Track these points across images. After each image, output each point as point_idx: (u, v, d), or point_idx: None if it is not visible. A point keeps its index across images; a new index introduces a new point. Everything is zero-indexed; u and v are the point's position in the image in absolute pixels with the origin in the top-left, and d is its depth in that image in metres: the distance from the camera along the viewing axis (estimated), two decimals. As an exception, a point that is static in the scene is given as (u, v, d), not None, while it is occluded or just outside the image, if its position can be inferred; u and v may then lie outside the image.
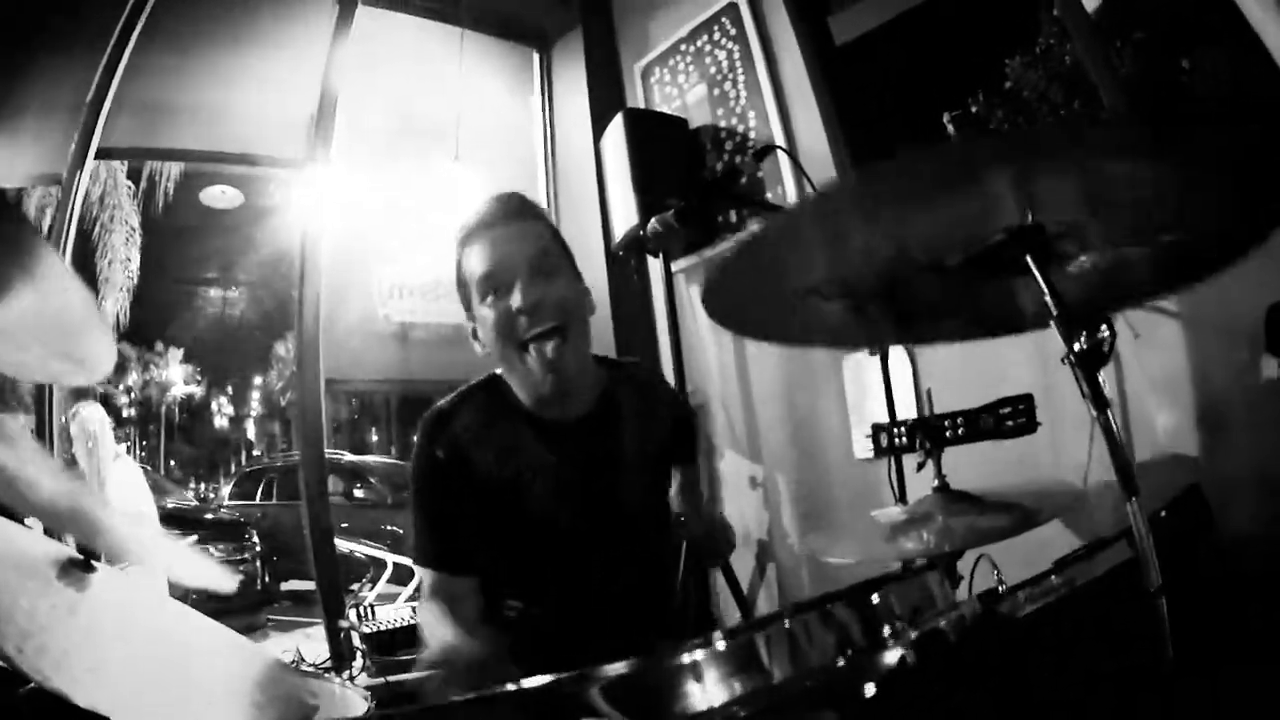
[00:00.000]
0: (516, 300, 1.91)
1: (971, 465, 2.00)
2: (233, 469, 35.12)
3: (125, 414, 31.21)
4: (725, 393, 4.18)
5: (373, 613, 3.99)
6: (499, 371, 2.08)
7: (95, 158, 4.69)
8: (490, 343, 1.99)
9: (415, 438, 2.08)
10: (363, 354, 5.07)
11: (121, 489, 5.58)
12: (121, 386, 31.17)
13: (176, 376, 33.44)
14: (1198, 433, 2.54)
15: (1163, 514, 1.79)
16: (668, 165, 4.07)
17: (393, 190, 5.22)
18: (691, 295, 4.27)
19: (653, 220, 3.73)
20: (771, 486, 3.92)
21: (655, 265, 4.29)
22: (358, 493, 12.93)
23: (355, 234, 5.15)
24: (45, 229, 5.14)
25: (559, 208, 5.22)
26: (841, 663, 0.91)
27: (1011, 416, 1.90)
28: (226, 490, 16.62)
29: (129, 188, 21.12)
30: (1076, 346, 1.26)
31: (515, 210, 2.05)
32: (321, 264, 4.72)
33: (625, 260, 4.48)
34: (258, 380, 34.45)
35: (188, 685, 1.26)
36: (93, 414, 5.59)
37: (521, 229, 2.01)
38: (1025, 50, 4.79)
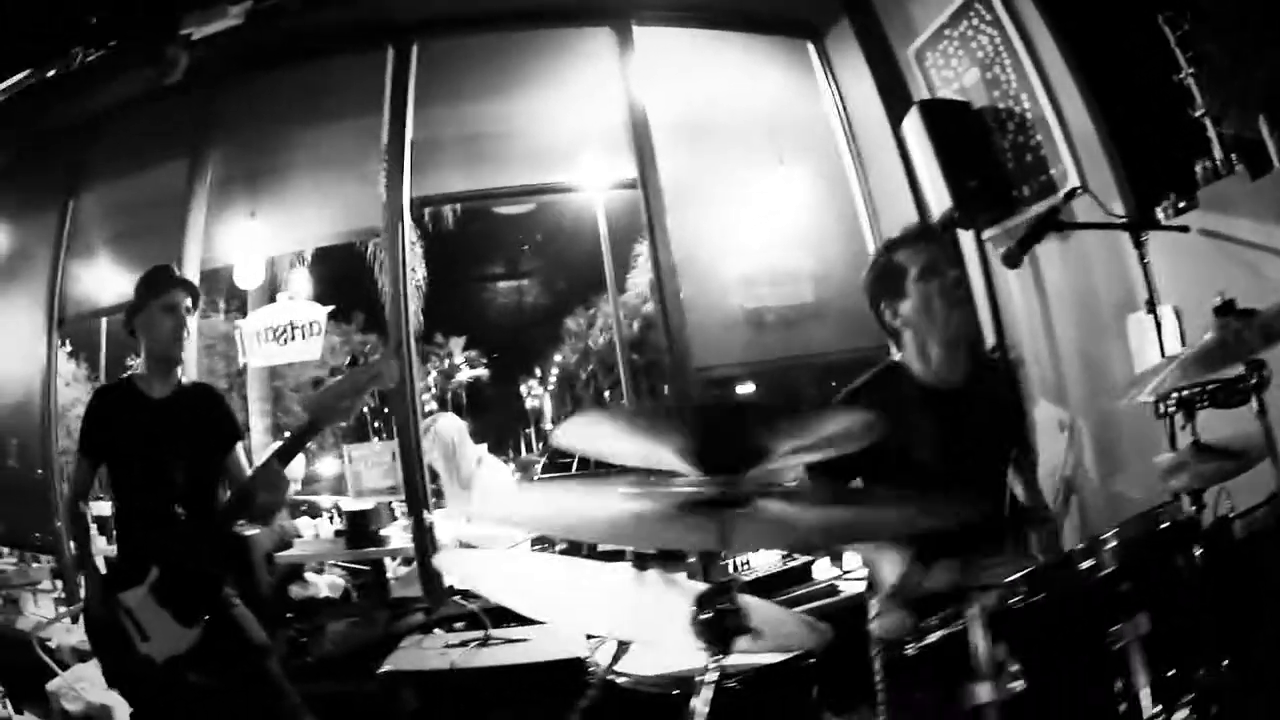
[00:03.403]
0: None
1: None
2: (525, 443, 37.79)
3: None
4: (1035, 346, 4.87)
5: (749, 564, 4.95)
6: (898, 357, 2.91)
7: (413, 208, 5.65)
8: (923, 331, 2.81)
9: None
10: (722, 340, 5.54)
11: (487, 492, 5.81)
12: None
13: (460, 363, 36.13)
14: None
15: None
16: (965, 147, 4.74)
17: (720, 190, 5.71)
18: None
19: (960, 199, 4.55)
20: (1075, 429, 4.55)
21: (966, 237, 5.04)
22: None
23: (695, 231, 5.62)
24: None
25: (870, 191, 5.82)
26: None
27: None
28: (540, 465, 17.69)
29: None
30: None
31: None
32: (675, 263, 5.50)
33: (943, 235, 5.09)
34: (555, 357, 36.48)
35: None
36: (449, 424, 5.96)
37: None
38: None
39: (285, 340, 5.91)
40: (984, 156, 4.81)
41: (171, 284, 3.79)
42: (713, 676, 1.65)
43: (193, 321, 3.82)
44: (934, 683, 1.95)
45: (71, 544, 4.16)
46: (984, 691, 1.73)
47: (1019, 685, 1.73)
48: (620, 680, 2.25)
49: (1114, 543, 1.85)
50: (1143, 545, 1.91)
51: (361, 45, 5.94)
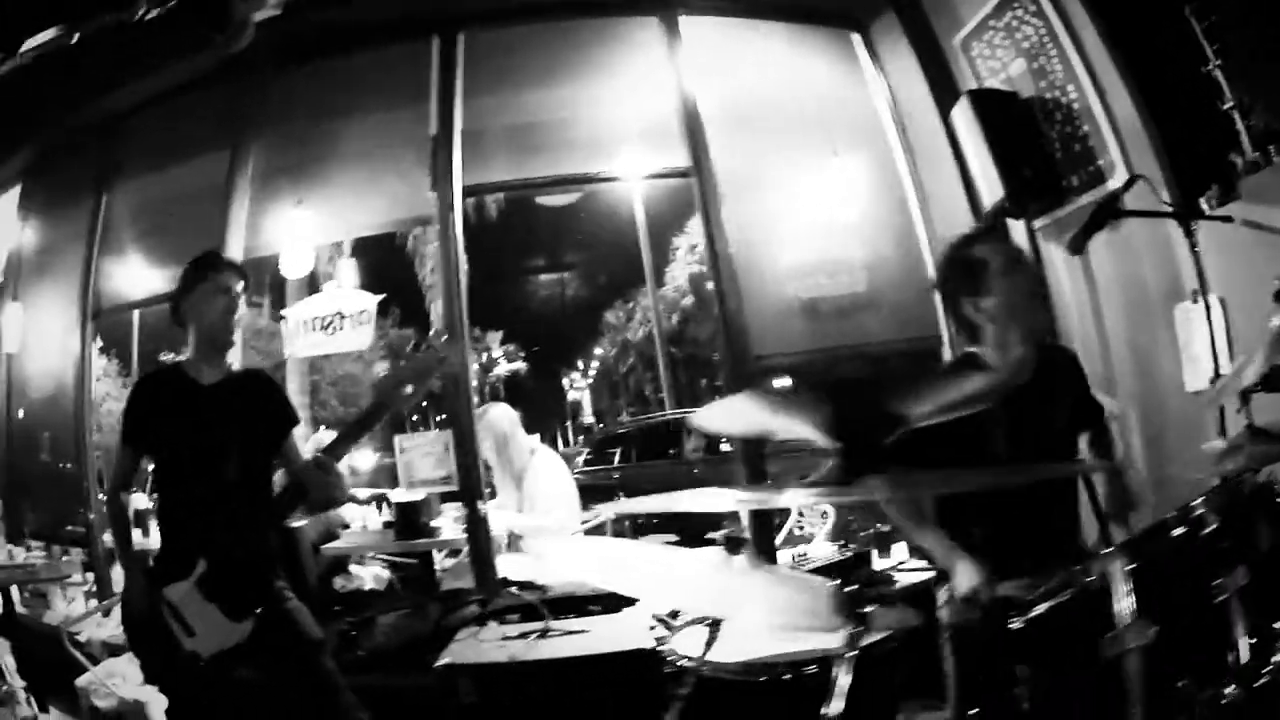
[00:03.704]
0: None
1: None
2: (564, 437, 37.93)
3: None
4: (1084, 333, 4.88)
5: (805, 556, 5.01)
6: (974, 350, 2.98)
7: (465, 196, 5.68)
8: (1004, 325, 2.91)
9: None
10: (778, 330, 5.57)
11: (540, 482, 5.86)
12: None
13: (499, 356, 36.30)
14: None
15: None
16: (1015, 137, 4.78)
17: (773, 180, 5.72)
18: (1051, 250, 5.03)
19: (1012, 189, 4.63)
20: (1123, 417, 4.55)
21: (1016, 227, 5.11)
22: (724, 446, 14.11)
23: (749, 221, 5.64)
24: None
25: (921, 181, 5.82)
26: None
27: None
28: (582, 458, 17.42)
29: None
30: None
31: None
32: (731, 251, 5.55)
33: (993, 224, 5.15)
34: (595, 350, 36.65)
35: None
36: (501, 414, 5.97)
37: None
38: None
39: (333, 329, 5.91)
40: (1033, 146, 4.82)
41: (222, 267, 3.70)
42: (852, 653, 1.76)
43: (242, 306, 3.68)
44: (1036, 652, 2.11)
45: (110, 537, 3.89)
46: (1131, 636, 1.89)
47: (1155, 631, 1.90)
48: (705, 670, 2.23)
49: (1206, 508, 2.08)
50: (1232, 507, 2.12)
51: (406, 36, 6.01)
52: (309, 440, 5.73)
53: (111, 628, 5.83)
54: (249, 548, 3.40)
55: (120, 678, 5.05)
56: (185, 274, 3.67)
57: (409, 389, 3.36)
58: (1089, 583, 2.05)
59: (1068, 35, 4.55)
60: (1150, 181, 3.62)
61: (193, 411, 3.48)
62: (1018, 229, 5.10)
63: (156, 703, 4.64)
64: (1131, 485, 3.04)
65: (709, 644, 2.18)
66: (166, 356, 4.00)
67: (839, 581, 1.77)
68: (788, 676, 2.26)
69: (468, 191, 5.77)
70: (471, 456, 5.52)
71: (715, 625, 2.22)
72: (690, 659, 2.30)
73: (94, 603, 6.40)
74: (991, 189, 4.80)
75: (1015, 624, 2.12)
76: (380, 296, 5.96)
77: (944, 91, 5.39)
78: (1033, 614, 2.10)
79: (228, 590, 3.29)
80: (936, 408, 1.84)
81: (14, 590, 6.43)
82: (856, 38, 6.10)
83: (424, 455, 5.64)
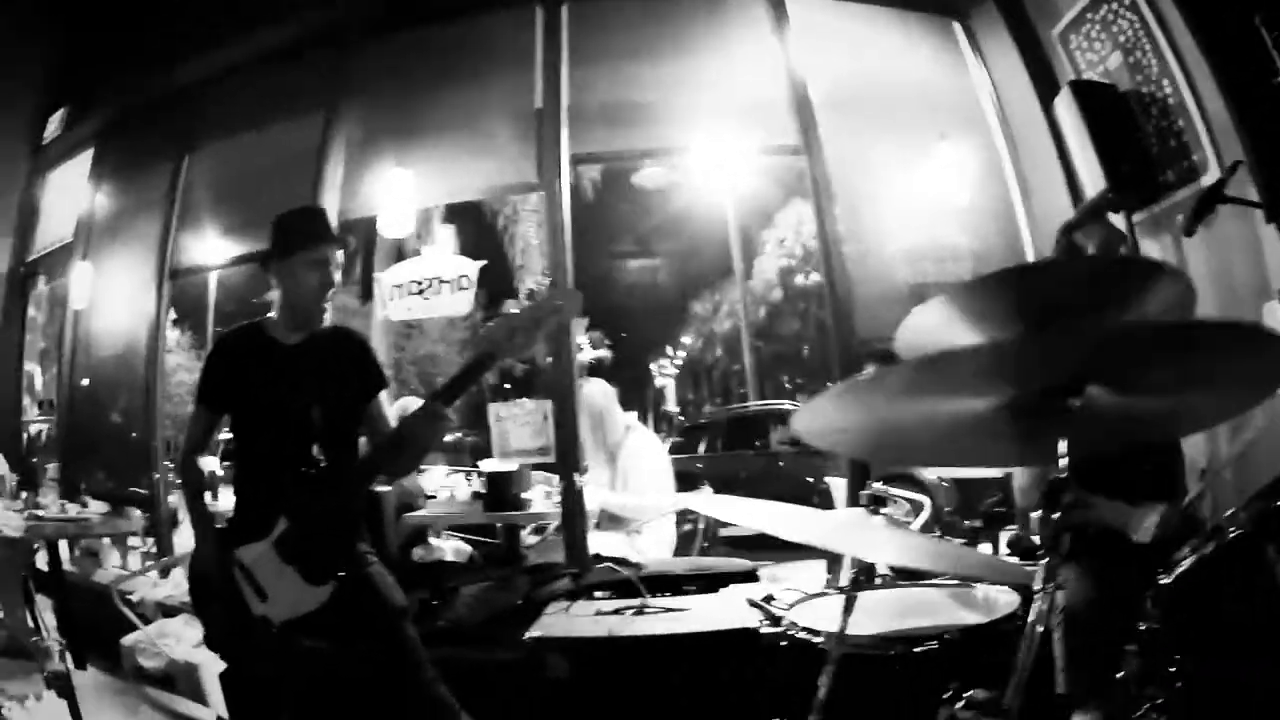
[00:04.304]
0: None
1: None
2: (650, 426, 37.97)
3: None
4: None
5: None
6: None
7: (572, 164, 5.82)
8: None
9: None
10: (886, 314, 5.40)
11: (636, 459, 5.72)
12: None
13: (583, 342, 36.35)
14: None
15: None
16: (1116, 129, 4.79)
17: (881, 163, 5.77)
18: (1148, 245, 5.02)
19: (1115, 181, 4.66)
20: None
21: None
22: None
23: (857, 205, 5.70)
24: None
25: (1023, 171, 5.83)
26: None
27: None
28: (669, 443, 17.20)
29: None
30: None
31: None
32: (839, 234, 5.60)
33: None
34: (682, 340, 36.71)
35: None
36: (597, 389, 5.82)
37: None
38: None
39: (429, 294, 5.90)
40: (1131, 140, 4.84)
41: (322, 237, 3.48)
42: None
43: (337, 277, 3.48)
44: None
45: (182, 498, 3.70)
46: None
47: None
48: (842, 644, 2.22)
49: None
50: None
51: (511, 3, 6.21)
52: (394, 406, 5.59)
53: (168, 589, 5.95)
54: (333, 509, 3.26)
55: (173, 638, 5.09)
56: (281, 234, 3.49)
57: (520, 338, 3.12)
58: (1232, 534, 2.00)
59: (1160, 30, 4.56)
60: (1252, 169, 3.69)
61: (275, 370, 3.37)
62: (1118, 223, 5.08)
63: (210, 666, 4.64)
64: None
65: (845, 618, 2.19)
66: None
67: (1045, 498, 1.70)
68: (921, 649, 2.34)
69: (575, 160, 5.88)
70: (571, 426, 5.50)
71: (850, 600, 2.22)
72: (821, 633, 2.39)
73: (150, 563, 6.58)
74: (1094, 181, 4.81)
75: (1164, 580, 2.06)
76: (482, 262, 5.94)
77: (1044, 83, 5.42)
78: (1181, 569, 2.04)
79: (308, 552, 3.18)
80: None
81: (63, 547, 6.47)
82: (957, 25, 6.12)
83: (521, 424, 5.60)
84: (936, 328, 1.73)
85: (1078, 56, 5.21)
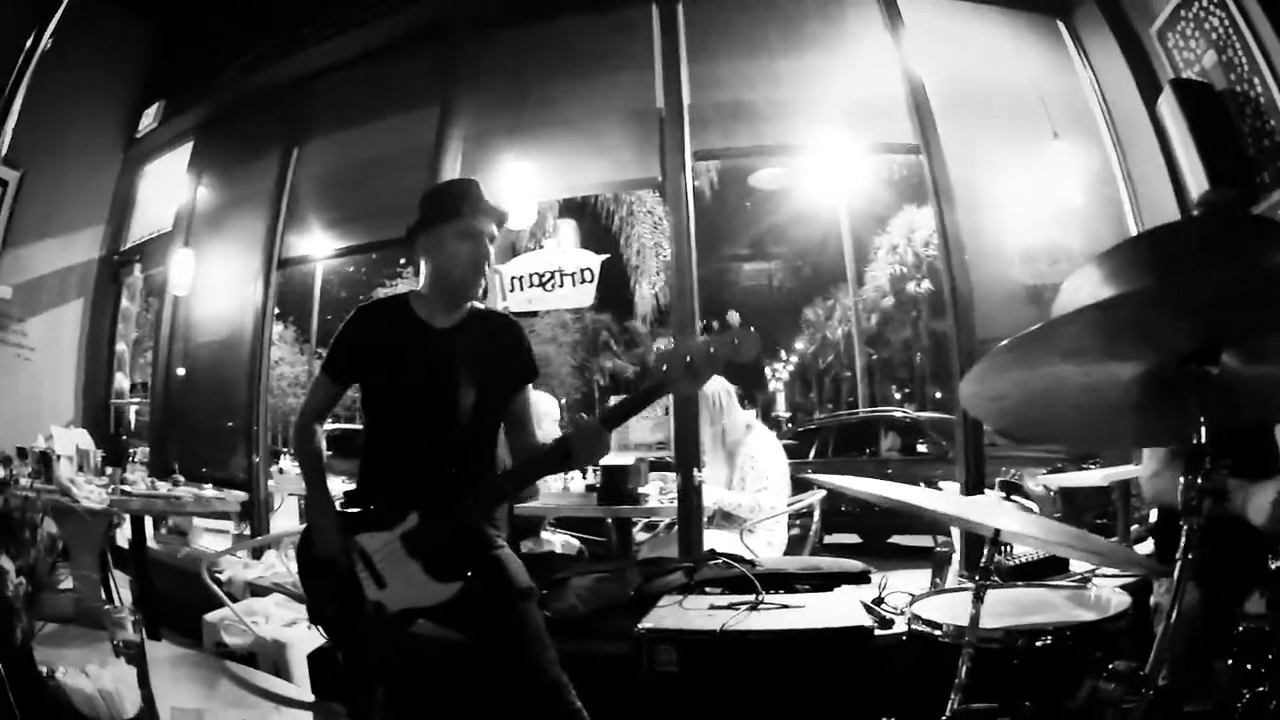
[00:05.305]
0: None
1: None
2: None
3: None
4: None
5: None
6: None
7: (695, 159, 5.96)
8: None
9: None
10: (1003, 315, 5.52)
11: (754, 458, 5.64)
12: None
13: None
14: None
15: None
16: (1216, 128, 4.83)
17: (997, 163, 5.78)
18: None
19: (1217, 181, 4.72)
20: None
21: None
22: (920, 447, 14.43)
23: (975, 204, 5.70)
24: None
25: (1129, 170, 5.81)
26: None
27: None
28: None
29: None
30: None
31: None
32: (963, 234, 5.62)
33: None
34: (795, 346, 36.60)
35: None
36: (717, 384, 5.64)
37: None
38: None
39: (551, 286, 6.03)
40: (1229, 139, 4.85)
41: (478, 204, 3.19)
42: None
43: (493, 251, 3.24)
44: None
45: (300, 471, 3.42)
46: None
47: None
48: (974, 638, 2.27)
49: None
50: None
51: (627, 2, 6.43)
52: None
53: (259, 570, 6.13)
54: (472, 508, 3.06)
55: (263, 617, 5.14)
56: (431, 203, 3.26)
57: (695, 373, 2.82)
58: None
59: (1248, 28, 4.59)
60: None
61: (425, 353, 3.15)
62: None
63: (299, 645, 4.71)
64: None
65: (977, 606, 2.25)
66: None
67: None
68: (1046, 643, 2.35)
69: (697, 156, 6.02)
70: (691, 421, 5.52)
71: (979, 595, 2.26)
72: (951, 627, 2.42)
73: (243, 544, 6.76)
74: (1198, 181, 4.83)
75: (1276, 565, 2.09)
76: (604, 256, 6.01)
77: (1146, 82, 5.46)
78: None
79: (438, 550, 3.01)
80: None
81: (149, 525, 6.64)
82: (1061, 25, 6.15)
83: (640, 418, 5.54)
84: (1087, 291, 1.90)
85: (1175, 55, 5.24)
